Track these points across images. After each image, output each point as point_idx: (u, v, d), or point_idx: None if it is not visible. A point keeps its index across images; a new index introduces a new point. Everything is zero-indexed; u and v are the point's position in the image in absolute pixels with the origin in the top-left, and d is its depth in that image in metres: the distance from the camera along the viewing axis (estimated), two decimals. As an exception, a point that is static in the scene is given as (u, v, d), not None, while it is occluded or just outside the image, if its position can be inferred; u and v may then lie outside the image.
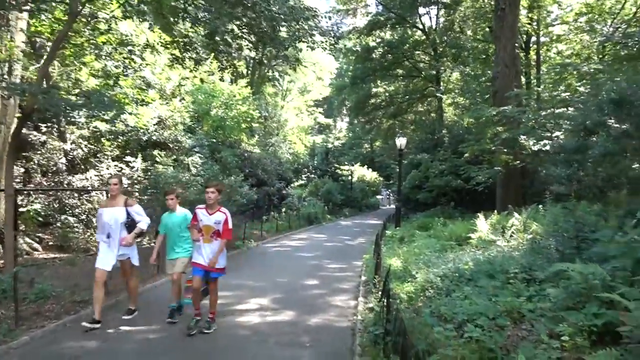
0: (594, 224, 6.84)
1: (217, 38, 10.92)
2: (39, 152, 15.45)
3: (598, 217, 7.42)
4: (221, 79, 14.76)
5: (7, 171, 9.38)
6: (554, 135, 16.48)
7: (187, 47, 11.25)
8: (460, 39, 32.78)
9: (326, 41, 12.46)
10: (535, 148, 16.59)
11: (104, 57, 11.19)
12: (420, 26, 36.92)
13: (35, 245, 12.36)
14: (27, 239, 12.23)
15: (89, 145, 16.67)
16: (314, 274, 11.39)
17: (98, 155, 17.53)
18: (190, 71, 12.86)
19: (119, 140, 18.63)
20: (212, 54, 11.98)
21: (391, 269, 8.56)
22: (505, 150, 17.34)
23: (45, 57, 10.08)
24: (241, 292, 9.04)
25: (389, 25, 36.69)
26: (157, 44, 11.92)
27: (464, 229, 13.40)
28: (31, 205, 13.03)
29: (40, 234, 13.34)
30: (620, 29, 25.52)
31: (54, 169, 15.12)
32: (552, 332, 4.50)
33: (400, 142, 21.95)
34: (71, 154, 15.81)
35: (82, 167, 16.49)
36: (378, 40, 38.05)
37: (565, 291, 5.01)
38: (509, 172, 18.13)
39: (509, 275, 6.94)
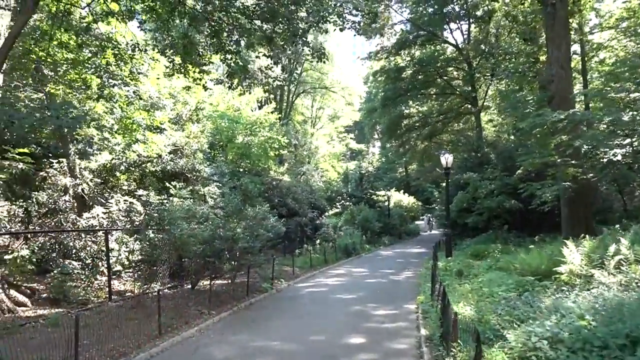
0: None
1: (224, 35, 8.94)
2: (45, 189, 13.86)
3: None
4: (230, 87, 12.80)
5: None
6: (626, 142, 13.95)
7: (188, 50, 9.28)
8: (500, 48, 30.48)
9: (360, 22, 10.21)
10: (606, 159, 14.14)
11: (79, 64, 9.23)
12: (452, 41, 35.05)
13: (23, 299, 10.32)
14: (13, 292, 10.23)
15: (95, 179, 14.89)
16: (358, 327, 8.96)
17: (113, 189, 15.84)
18: (194, 80, 10.84)
19: (134, 173, 16.92)
20: (218, 55, 9.92)
21: (465, 324, 6.17)
22: (574, 162, 14.76)
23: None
24: (263, 362, 6.74)
25: (418, 43, 34.87)
26: (152, 48, 10.10)
27: (542, 260, 10.76)
28: (19, 250, 11.05)
29: (35, 284, 11.41)
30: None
31: (53, 207, 13.33)
32: None
33: (446, 159, 19.48)
34: (74, 189, 14.01)
35: (91, 204, 14.72)
36: (407, 59, 36.11)
37: None
38: (577, 188, 15.48)
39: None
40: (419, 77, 35.54)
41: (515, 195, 20.17)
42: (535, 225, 20.72)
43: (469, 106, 35.25)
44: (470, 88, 34.17)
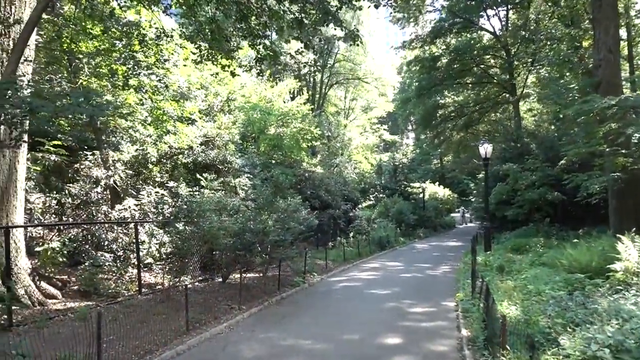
0: None
1: (252, 19, 8.56)
2: (79, 181, 13.91)
3: None
4: (259, 74, 12.31)
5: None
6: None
7: (215, 35, 8.92)
8: (540, 33, 29.24)
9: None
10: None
11: (104, 52, 8.99)
12: (490, 28, 33.96)
13: (53, 291, 10.25)
14: (44, 284, 10.18)
15: (127, 171, 14.84)
16: (394, 325, 8.50)
17: (146, 181, 15.79)
18: (222, 67, 10.48)
19: (166, 165, 16.83)
20: (247, 41, 9.52)
21: (512, 326, 5.65)
22: (624, 151, 13.84)
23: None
24: (293, 363, 6.37)
25: (454, 31, 33.79)
26: (178, 35, 9.79)
27: (593, 256, 10.04)
28: (50, 242, 11.00)
29: (66, 276, 11.36)
30: None
31: (85, 198, 13.32)
32: None
33: (485, 149, 18.71)
34: (107, 181, 13.96)
35: (123, 196, 14.70)
36: (443, 47, 35.09)
37: None
38: (627, 179, 14.55)
39: None
40: (455, 66, 34.43)
41: (558, 186, 19.31)
42: (578, 219, 19.80)
43: (507, 95, 34.05)
44: (508, 76, 32.96)
